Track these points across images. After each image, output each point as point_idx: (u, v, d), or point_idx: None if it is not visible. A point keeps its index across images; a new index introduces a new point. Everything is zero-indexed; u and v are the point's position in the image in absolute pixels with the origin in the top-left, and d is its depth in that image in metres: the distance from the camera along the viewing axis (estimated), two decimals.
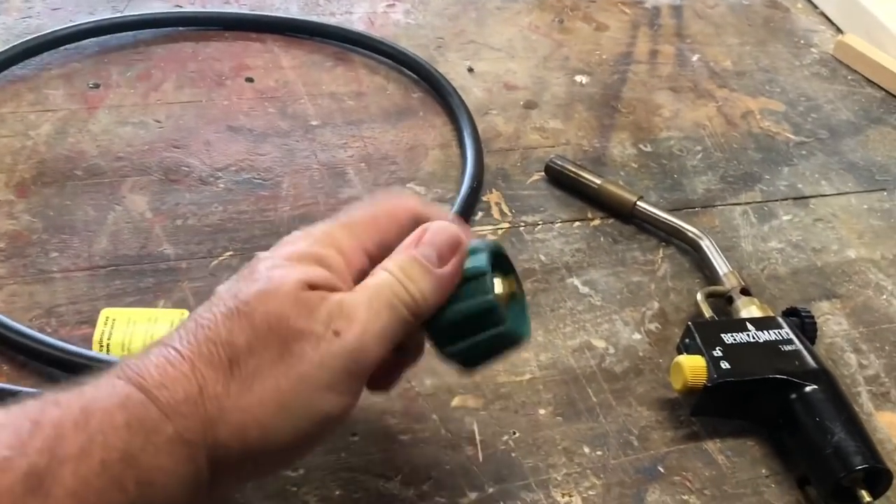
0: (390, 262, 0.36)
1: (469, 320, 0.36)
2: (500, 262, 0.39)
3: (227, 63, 0.70)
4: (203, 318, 0.33)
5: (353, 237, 0.36)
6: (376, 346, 0.34)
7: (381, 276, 0.35)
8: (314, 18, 0.77)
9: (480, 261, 0.37)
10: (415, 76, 0.71)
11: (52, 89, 0.65)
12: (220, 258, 0.54)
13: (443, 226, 0.37)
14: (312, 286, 0.33)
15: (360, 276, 0.36)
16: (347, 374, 0.33)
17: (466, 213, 0.58)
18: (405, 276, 0.35)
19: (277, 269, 0.34)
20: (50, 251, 0.52)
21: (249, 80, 0.68)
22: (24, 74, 0.66)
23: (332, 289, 0.34)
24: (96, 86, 0.66)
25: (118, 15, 0.72)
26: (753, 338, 0.47)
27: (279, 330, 0.32)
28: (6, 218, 0.54)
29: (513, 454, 0.45)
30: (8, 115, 0.62)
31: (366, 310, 0.34)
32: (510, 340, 0.37)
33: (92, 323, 0.48)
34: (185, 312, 0.47)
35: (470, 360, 0.38)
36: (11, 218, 0.54)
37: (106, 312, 0.47)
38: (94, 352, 0.45)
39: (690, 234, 0.57)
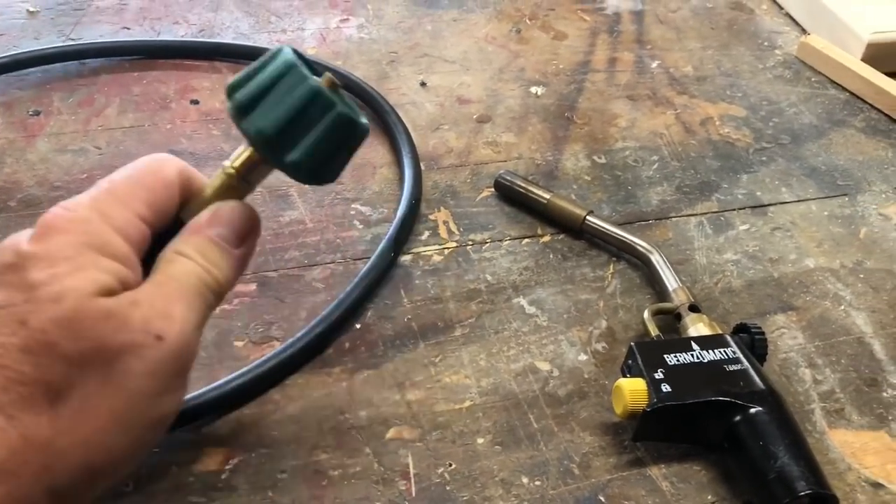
0: (188, 246, 0.34)
1: (298, 114, 0.35)
2: (307, 64, 0.37)
3: (173, 86, 0.69)
4: None
5: (124, 206, 0.33)
6: (197, 337, 0.33)
7: (183, 264, 0.34)
8: (265, 36, 0.76)
9: (285, 55, 0.35)
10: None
11: None
12: None
13: (237, 205, 0.36)
14: (110, 291, 0.31)
15: (141, 245, 0.34)
16: (177, 374, 0.33)
17: (405, 233, 0.56)
18: (207, 261, 0.34)
19: (62, 278, 0.30)
20: None
21: (194, 102, 0.67)
22: None
23: (127, 285, 0.32)
24: (36, 113, 0.65)
25: (61, 44, 0.71)
26: (697, 357, 0.46)
27: (98, 353, 0.30)
28: None
29: (447, 487, 0.43)
30: None
31: (180, 305, 0.32)
32: (349, 125, 0.36)
33: None
34: None
35: (318, 163, 0.36)
36: None
37: None
38: None
39: (641, 249, 0.56)
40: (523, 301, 0.54)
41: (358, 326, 0.51)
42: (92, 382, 0.30)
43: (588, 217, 0.58)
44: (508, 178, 0.61)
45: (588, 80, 0.75)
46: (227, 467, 0.43)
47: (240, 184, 0.38)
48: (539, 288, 0.55)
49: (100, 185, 0.35)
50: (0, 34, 0.72)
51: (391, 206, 0.60)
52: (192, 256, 0.34)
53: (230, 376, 0.46)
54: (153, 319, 0.31)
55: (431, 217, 0.59)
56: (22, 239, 0.32)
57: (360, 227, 0.58)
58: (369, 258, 0.55)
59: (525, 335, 0.52)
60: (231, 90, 0.36)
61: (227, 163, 0.38)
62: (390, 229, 0.55)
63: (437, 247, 0.57)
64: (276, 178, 0.61)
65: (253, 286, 0.53)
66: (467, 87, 0.72)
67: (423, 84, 0.72)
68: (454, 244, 0.57)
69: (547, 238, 0.59)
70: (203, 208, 0.37)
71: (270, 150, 0.36)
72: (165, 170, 0.36)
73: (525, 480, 0.44)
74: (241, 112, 0.35)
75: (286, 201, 0.59)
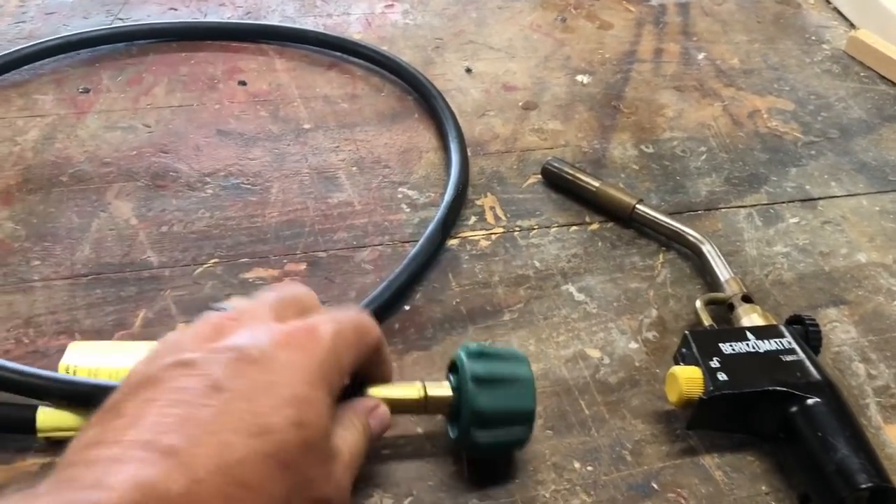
0: (359, 422, 0.38)
1: (508, 417, 0.41)
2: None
3: (220, 66, 0.69)
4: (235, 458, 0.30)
5: (349, 355, 0.36)
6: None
7: (357, 438, 0.37)
8: (310, 20, 0.76)
9: (528, 372, 0.42)
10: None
11: (42, 94, 0.64)
12: (205, 266, 0.52)
13: (387, 413, 0.39)
14: (330, 433, 0.34)
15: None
16: None
17: (453, 217, 0.56)
18: (365, 443, 0.37)
19: (305, 406, 0.32)
20: (32, 259, 0.51)
21: (242, 83, 0.67)
22: (14, 79, 0.65)
23: (327, 432, 0.34)
24: (86, 90, 0.65)
25: (111, 26, 0.71)
26: (753, 347, 0.45)
27: (307, 490, 0.32)
28: None
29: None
30: None
31: (351, 476, 0.36)
32: (521, 444, 0.42)
33: (70, 333, 0.47)
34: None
35: (484, 449, 0.41)
36: None
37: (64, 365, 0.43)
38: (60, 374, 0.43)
39: (691, 239, 0.55)
40: (572, 288, 0.53)
41: (407, 308, 0.51)
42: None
43: (638, 206, 0.57)
44: (556, 164, 0.60)
45: (634, 70, 0.74)
46: None
47: (418, 404, 0.41)
48: (588, 275, 0.54)
49: (338, 320, 0.37)
50: (51, 13, 0.73)
51: (437, 191, 0.59)
52: (362, 434, 0.37)
53: None
54: (342, 483, 0.35)
55: (478, 202, 0.59)
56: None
57: (408, 210, 0.58)
58: (417, 241, 0.55)
59: (574, 322, 0.51)
60: (471, 353, 0.41)
61: (428, 384, 0.41)
62: (438, 212, 0.55)
63: (484, 232, 0.57)
64: (325, 160, 0.61)
65: (303, 266, 0.53)
66: (513, 75, 0.72)
67: (468, 70, 0.72)
68: (501, 229, 0.57)
69: (595, 226, 0.58)
70: (380, 381, 0.41)
71: (467, 419, 0.40)
72: (371, 337, 0.39)
73: (577, 465, 0.44)
74: (474, 380, 0.40)
75: (334, 183, 0.59)
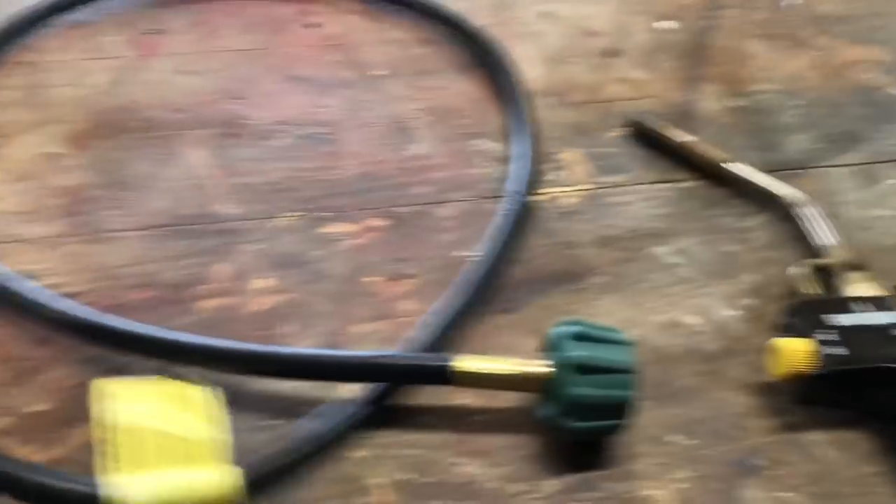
0: None
1: (604, 407, 0.39)
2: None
3: (290, 7, 0.66)
4: None
5: None
6: None
7: None
8: None
9: (628, 356, 0.39)
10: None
11: (107, 36, 0.62)
12: (282, 218, 0.51)
13: None
14: None
15: None
16: None
17: (536, 174, 0.53)
18: None
19: None
20: (107, 208, 0.50)
21: (313, 25, 0.64)
22: (76, 20, 0.63)
23: None
24: (152, 32, 0.63)
25: None
26: (869, 320, 0.43)
27: None
28: (63, 172, 0.52)
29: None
30: (62, 62, 0.59)
31: None
32: (616, 430, 0.40)
33: (150, 286, 0.46)
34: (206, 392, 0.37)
35: (574, 436, 0.40)
36: (68, 172, 0.52)
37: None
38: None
39: (791, 200, 0.52)
40: (664, 250, 0.51)
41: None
42: None
43: (732, 163, 0.54)
44: (644, 118, 0.57)
45: (720, 16, 0.70)
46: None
47: (513, 381, 0.40)
48: (681, 237, 0.52)
49: None
50: None
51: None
52: None
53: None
54: None
55: (561, 156, 0.56)
56: None
57: (487, 164, 0.55)
58: (498, 197, 0.52)
59: (668, 286, 0.49)
60: (572, 334, 0.40)
61: (524, 362, 0.40)
62: (519, 169, 0.53)
63: (568, 188, 0.54)
64: (399, 109, 0.58)
65: (383, 221, 0.51)
66: (592, 19, 0.68)
67: (544, 14, 0.68)
68: (587, 186, 0.55)
69: (686, 184, 0.55)
70: None
71: (562, 406, 0.39)
72: None
73: (675, 438, 0.42)
74: (574, 368, 0.38)
75: (408, 134, 0.57)
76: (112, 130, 0.55)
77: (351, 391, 0.41)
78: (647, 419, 0.42)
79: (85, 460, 0.35)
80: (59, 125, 0.54)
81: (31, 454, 0.38)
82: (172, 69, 0.60)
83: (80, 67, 0.59)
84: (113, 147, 0.54)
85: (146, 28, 0.63)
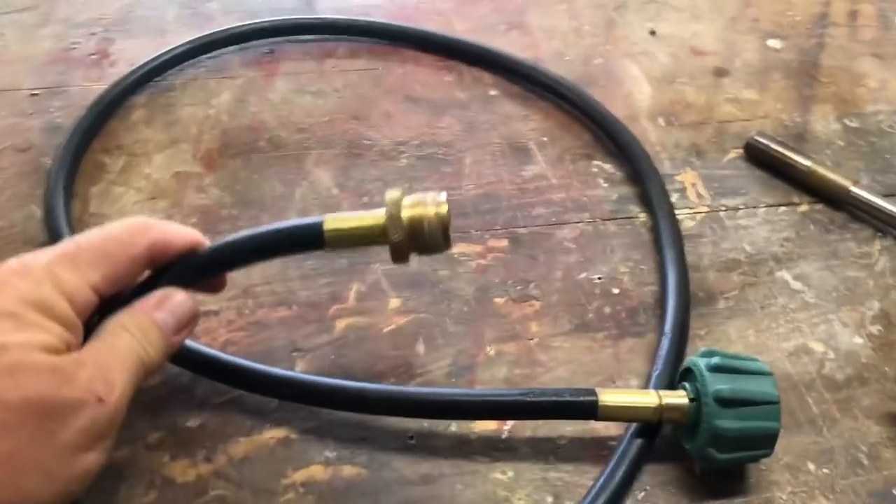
0: (131, 322, 0.36)
1: (750, 439, 0.39)
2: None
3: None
4: None
5: (78, 274, 0.35)
6: (126, 406, 0.34)
7: (125, 339, 0.35)
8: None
9: (771, 387, 0.40)
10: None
11: (229, 55, 0.64)
12: None
13: (184, 299, 0.38)
14: (55, 350, 0.32)
15: (87, 312, 0.35)
16: (107, 435, 0.34)
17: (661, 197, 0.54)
18: (147, 340, 0.36)
19: (6, 332, 0.32)
20: (241, 227, 0.52)
21: None
22: None
23: (70, 347, 0.33)
24: (270, 52, 0.65)
25: (333, 17, 0.67)
26: None
27: (39, 404, 0.31)
28: (196, 191, 0.54)
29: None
30: (189, 82, 0.61)
31: (120, 373, 0.34)
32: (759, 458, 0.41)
33: (288, 304, 0.48)
34: None
35: (716, 464, 0.40)
36: (201, 191, 0.54)
37: None
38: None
39: None
40: (787, 275, 0.51)
41: (616, 291, 0.50)
42: (26, 431, 0.31)
43: (854, 188, 0.54)
44: (762, 140, 0.57)
45: (828, 34, 0.70)
46: (506, 428, 0.43)
47: (653, 413, 0.40)
48: (802, 261, 0.52)
49: (66, 245, 0.36)
50: None
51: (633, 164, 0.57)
52: (135, 334, 0.36)
53: None
54: (96, 381, 0.33)
55: (678, 178, 0.57)
56: None
57: (605, 185, 0.56)
58: (617, 219, 0.53)
59: (793, 312, 0.49)
60: (712, 366, 0.40)
61: (663, 393, 0.40)
62: (651, 194, 0.53)
63: (688, 210, 0.55)
64: (514, 129, 0.59)
65: (505, 241, 0.52)
66: (700, 37, 0.68)
67: (652, 32, 0.68)
68: (706, 208, 0.55)
69: (805, 207, 0.55)
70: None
71: (706, 439, 0.39)
72: (136, 244, 0.37)
73: (812, 467, 0.42)
74: (717, 401, 0.39)
75: (526, 154, 0.58)
76: (240, 149, 0.57)
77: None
78: (782, 447, 0.42)
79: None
80: (191, 144, 0.57)
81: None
82: (293, 89, 0.61)
83: (208, 87, 0.61)
84: (242, 166, 0.56)
85: (265, 48, 0.65)
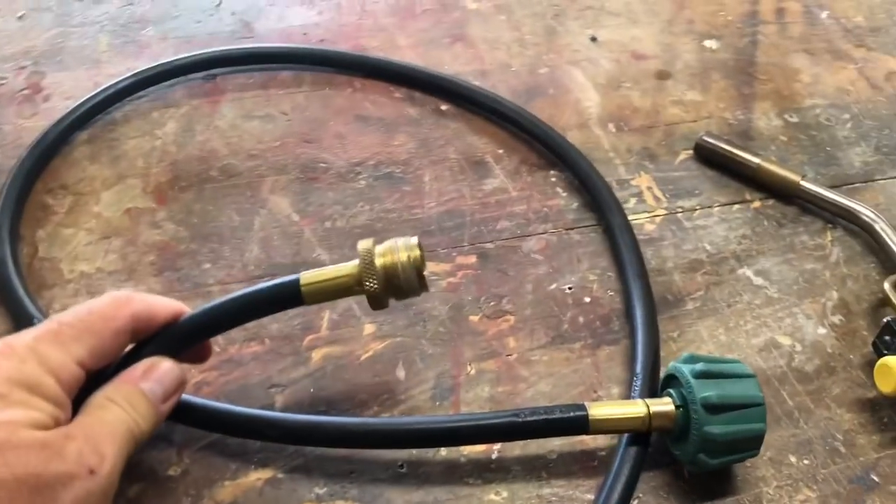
0: (118, 394, 0.36)
1: (739, 442, 0.40)
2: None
3: (343, 45, 0.66)
4: None
5: (64, 350, 0.35)
6: (118, 477, 0.34)
7: (113, 410, 0.35)
8: None
9: (755, 389, 0.40)
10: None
11: (167, 83, 0.62)
12: None
13: (170, 368, 0.38)
14: (43, 426, 0.32)
15: (74, 387, 0.35)
16: None
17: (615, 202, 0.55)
18: (135, 411, 0.36)
19: None
20: (202, 262, 0.50)
21: None
22: None
23: (58, 422, 0.33)
24: (213, 77, 0.63)
25: (269, 45, 0.65)
26: None
27: (29, 481, 0.31)
28: (150, 227, 0.52)
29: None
30: (130, 114, 0.59)
31: (110, 444, 0.34)
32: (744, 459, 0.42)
33: (260, 339, 0.47)
34: None
35: (707, 468, 0.40)
36: (155, 227, 0.52)
37: None
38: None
39: (864, 217, 0.54)
40: (749, 272, 0.53)
41: (587, 300, 0.50)
42: None
43: (803, 182, 0.56)
44: (711, 140, 0.59)
45: (760, 32, 0.72)
46: (496, 448, 0.43)
47: (642, 422, 0.41)
48: (761, 257, 0.53)
49: (48, 323, 0.36)
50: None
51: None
52: (123, 406, 0.36)
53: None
54: (86, 454, 0.33)
55: (633, 182, 0.58)
56: None
57: (564, 194, 0.57)
58: (580, 227, 0.54)
59: (759, 308, 0.51)
60: (697, 372, 0.40)
61: (651, 402, 0.41)
62: (602, 198, 0.54)
63: (647, 214, 0.56)
64: (469, 143, 0.59)
65: (473, 258, 0.52)
66: (640, 42, 0.70)
67: (593, 39, 0.69)
68: (664, 211, 0.56)
69: (757, 204, 0.57)
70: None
71: (696, 445, 0.40)
72: (119, 317, 0.37)
73: (793, 459, 0.44)
74: (705, 407, 0.39)
75: (485, 168, 0.58)
76: (192, 181, 0.55)
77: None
78: (764, 442, 0.43)
79: None
80: (140, 178, 0.55)
81: None
82: (240, 114, 0.60)
83: (151, 118, 0.59)
84: (196, 198, 0.54)
85: (204, 73, 0.63)
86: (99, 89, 0.58)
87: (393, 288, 0.39)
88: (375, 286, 0.39)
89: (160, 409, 0.37)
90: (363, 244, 0.40)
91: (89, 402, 0.35)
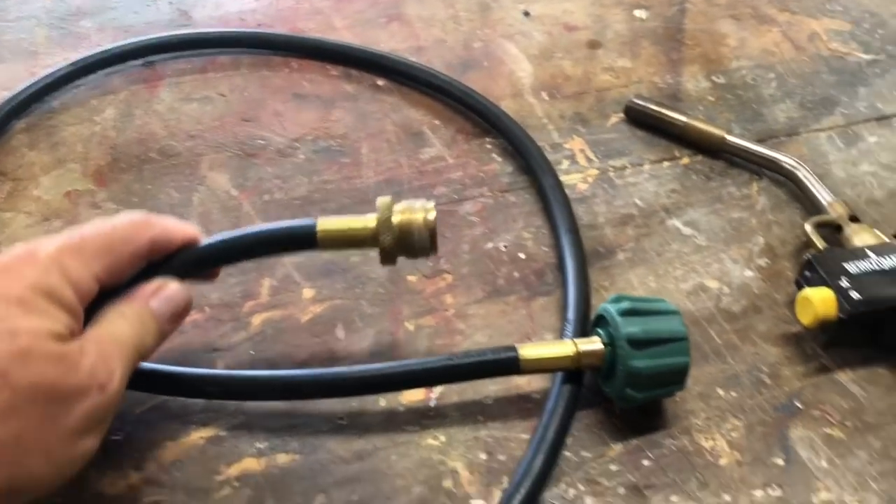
0: (129, 310, 0.37)
1: (663, 375, 0.41)
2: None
3: (279, 27, 0.68)
4: None
5: (84, 264, 0.36)
6: (122, 392, 0.36)
7: (123, 326, 0.37)
8: None
9: (678, 324, 0.42)
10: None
11: (107, 72, 0.63)
12: None
13: (179, 289, 0.40)
14: (60, 337, 0.33)
15: (88, 300, 0.36)
16: (105, 420, 0.35)
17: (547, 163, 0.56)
18: (143, 328, 0.37)
19: (16, 318, 0.33)
20: None
21: None
22: None
23: (73, 333, 0.35)
24: (150, 63, 0.64)
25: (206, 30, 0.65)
26: (877, 265, 0.47)
27: (46, 390, 0.32)
28: (90, 208, 0.53)
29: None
30: (69, 102, 0.60)
31: (119, 361, 0.35)
32: (670, 393, 0.44)
33: (199, 307, 0.47)
34: None
35: (634, 402, 0.42)
36: (96, 207, 0.53)
37: None
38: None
39: (787, 166, 0.56)
40: (678, 222, 0.54)
41: (522, 256, 0.52)
42: (33, 415, 0.32)
43: (728, 137, 0.58)
44: (640, 102, 0.60)
45: (688, 0, 0.74)
46: (433, 396, 0.44)
47: (571, 361, 0.42)
48: (690, 209, 0.55)
49: (72, 235, 0.37)
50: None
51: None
52: (133, 323, 0.37)
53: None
54: (98, 370, 0.34)
55: (566, 146, 0.59)
56: None
57: (499, 159, 0.58)
58: (515, 189, 0.55)
59: (687, 255, 0.52)
60: (623, 310, 0.42)
61: (579, 341, 0.42)
62: (533, 161, 0.56)
63: (579, 175, 0.57)
64: (406, 115, 0.61)
65: None
66: (571, 14, 0.71)
67: (526, 14, 0.71)
68: (595, 171, 0.58)
69: (686, 160, 0.59)
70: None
71: (622, 380, 0.41)
72: (138, 241, 0.38)
73: (721, 392, 0.45)
74: (630, 342, 0.41)
75: (421, 138, 0.59)
76: (132, 163, 0.56)
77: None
78: (692, 378, 0.45)
79: None
80: (79, 163, 0.55)
81: None
82: (179, 98, 0.61)
83: (89, 105, 0.60)
84: (135, 179, 0.55)
85: (141, 59, 0.64)
86: (36, 78, 0.59)
87: (406, 245, 0.41)
88: (389, 241, 0.41)
89: (165, 328, 0.39)
90: (382, 200, 0.42)
91: (101, 316, 0.36)
